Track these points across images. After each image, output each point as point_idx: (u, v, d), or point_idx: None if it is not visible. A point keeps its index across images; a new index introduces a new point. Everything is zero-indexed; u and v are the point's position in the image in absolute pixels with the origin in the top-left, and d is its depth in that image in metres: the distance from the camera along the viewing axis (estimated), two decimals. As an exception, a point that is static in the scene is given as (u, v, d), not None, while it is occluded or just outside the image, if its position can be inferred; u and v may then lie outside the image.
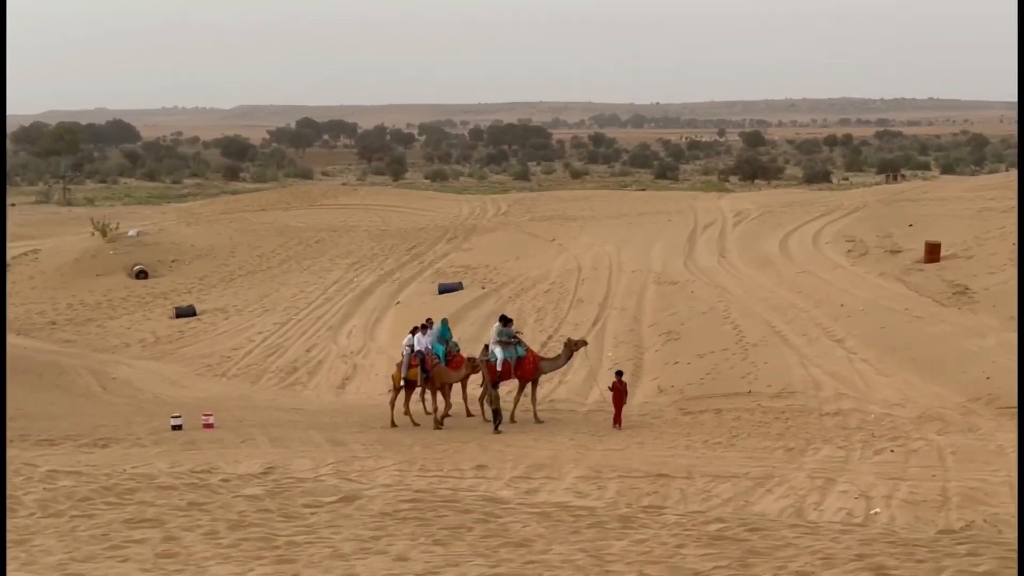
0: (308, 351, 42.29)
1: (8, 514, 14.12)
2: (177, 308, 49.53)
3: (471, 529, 13.97)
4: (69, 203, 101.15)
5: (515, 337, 31.36)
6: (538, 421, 30.17)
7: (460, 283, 49.79)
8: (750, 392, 31.75)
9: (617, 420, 29.21)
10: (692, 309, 40.85)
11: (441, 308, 45.03)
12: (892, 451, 24.39)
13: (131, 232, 61.44)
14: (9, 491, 15.45)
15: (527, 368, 30.87)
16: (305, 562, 12.13)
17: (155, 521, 14.05)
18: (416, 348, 30.89)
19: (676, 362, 35.23)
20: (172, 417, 29.14)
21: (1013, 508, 19.22)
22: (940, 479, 21.44)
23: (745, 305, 40.54)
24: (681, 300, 42.46)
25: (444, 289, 48.97)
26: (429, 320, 32.79)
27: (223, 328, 46.66)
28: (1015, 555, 11.99)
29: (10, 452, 22.01)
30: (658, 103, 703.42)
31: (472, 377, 31.55)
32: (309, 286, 52.42)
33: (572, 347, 31.69)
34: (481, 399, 30.93)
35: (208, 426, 29.06)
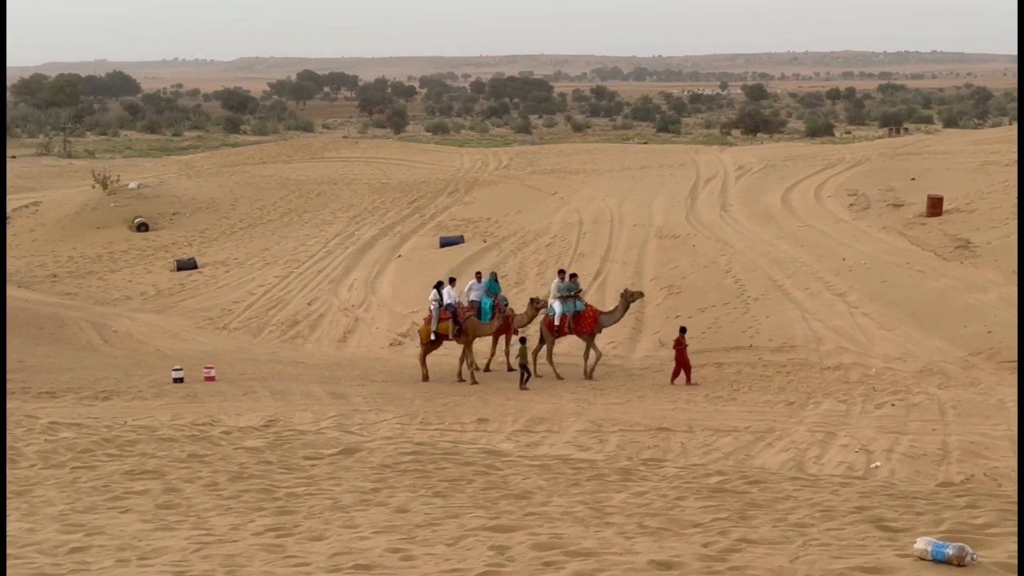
0: (309, 304, 42.29)
1: (9, 465, 14.16)
2: (178, 261, 49.49)
3: (471, 481, 14.00)
4: (69, 155, 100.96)
5: (576, 291, 31.22)
6: (587, 376, 30.08)
7: (461, 236, 49.70)
8: (751, 346, 31.80)
9: (675, 375, 28.93)
10: (693, 263, 40.82)
11: (442, 261, 45.05)
12: (893, 405, 24.45)
13: (132, 185, 61.26)
14: (10, 442, 15.49)
15: (586, 322, 30.74)
16: (305, 513, 12.15)
17: (156, 473, 14.09)
18: (446, 301, 30.70)
19: (677, 316, 35.18)
20: (173, 370, 29.16)
21: (1013, 462, 19.26)
22: (941, 433, 21.48)
23: (747, 259, 40.49)
24: (682, 254, 42.41)
25: (445, 242, 48.89)
26: (478, 274, 32.72)
27: (224, 281, 46.64)
28: (1014, 508, 12.01)
29: (11, 404, 22.05)
30: (660, 56, 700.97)
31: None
32: (310, 239, 52.37)
33: (629, 298, 31.44)
34: (535, 352, 30.87)
35: (209, 379, 29.09)
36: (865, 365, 28.96)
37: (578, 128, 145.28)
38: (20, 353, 32.15)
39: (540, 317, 31.73)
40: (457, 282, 32.93)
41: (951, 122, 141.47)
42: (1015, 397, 24.19)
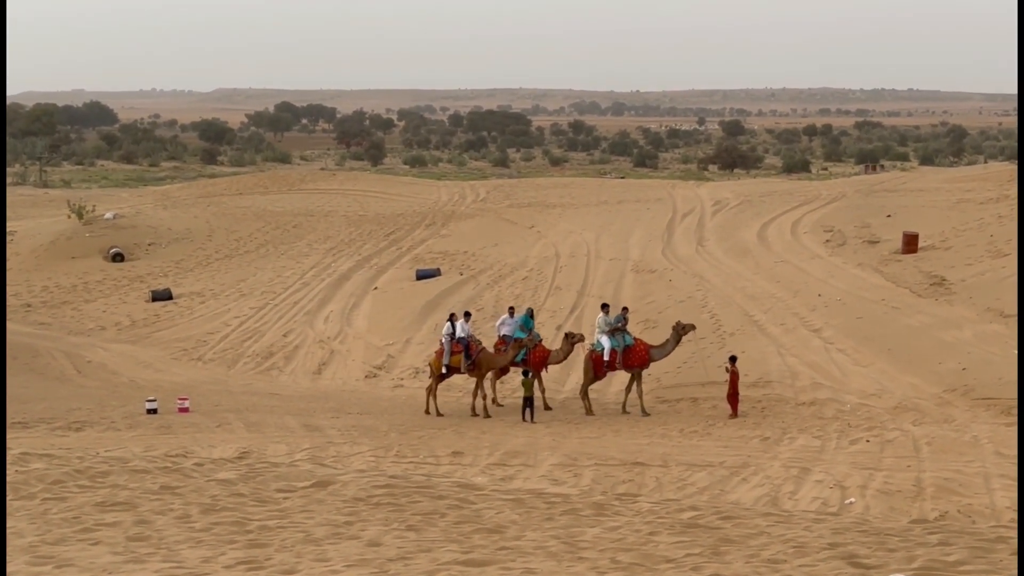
0: (285, 336, 42.18)
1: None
2: (153, 291, 49.31)
3: (444, 515, 13.94)
4: (45, 185, 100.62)
5: (623, 324, 30.77)
6: (645, 413, 29.56)
7: (438, 269, 49.68)
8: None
9: (734, 407, 28.57)
10: (670, 298, 40.87)
11: (419, 294, 45.01)
12: (868, 441, 24.48)
13: (107, 215, 61.13)
14: (-20, 473, 15.35)
15: (636, 357, 30.18)
16: (277, 546, 12.08)
17: (127, 504, 13.98)
18: (459, 335, 30.47)
19: (653, 350, 35.23)
20: (147, 401, 29.05)
21: (987, 499, 19.31)
22: (915, 469, 21.52)
23: (723, 294, 40.58)
24: (659, 288, 42.48)
25: (422, 275, 48.84)
26: (511, 309, 32.60)
27: (199, 312, 46.50)
28: (987, 545, 12.02)
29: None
30: (638, 91, 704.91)
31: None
32: (286, 271, 52.28)
33: (680, 331, 30.73)
34: (583, 391, 30.54)
35: (183, 410, 28.99)
36: (840, 401, 29.00)
37: (556, 162, 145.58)
38: (-8, 383, 31.98)
39: (575, 352, 31.57)
40: (472, 316, 32.73)
41: (927, 160, 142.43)
42: (989, 434, 24.29)
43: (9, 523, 12.88)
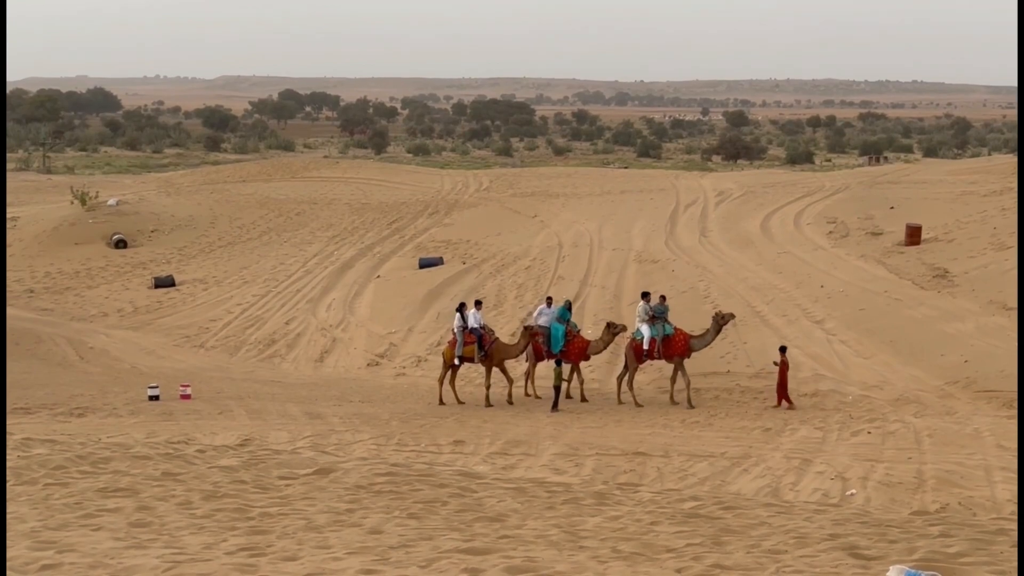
0: (287, 323, 42.18)
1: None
2: (156, 278, 49.33)
3: (446, 503, 13.96)
4: (49, 171, 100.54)
5: (664, 314, 30.50)
6: (689, 404, 29.27)
7: (441, 258, 49.68)
8: (729, 372, 31.81)
9: (781, 398, 28.39)
10: (672, 288, 40.80)
11: (421, 283, 45.00)
12: (869, 433, 24.47)
13: (111, 201, 61.11)
14: (-17, 458, 15.37)
15: (676, 346, 29.86)
16: (279, 533, 12.09)
17: (129, 490, 14.01)
18: (471, 325, 30.32)
19: (655, 340, 35.18)
20: (149, 387, 29.06)
21: (988, 491, 19.31)
22: (916, 461, 21.51)
23: (725, 285, 40.56)
24: (662, 279, 42.42)
25: (424, 264, 48.84)
26: (548, 299, 32.48)
27: (202, 299, 46.50)
28: (987, 537, 12.03)
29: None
30: (642, 81, 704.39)
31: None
32: (289, 258, 52.27)
33: (720, 321, 30.32)
34: (620, 379, 30.34)
35: (185, 397, 29.00)
36: (842, 392, 29.00)
37: (559, 152, 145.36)
38: (-5, 368, 31.97)
39: (615, 342, 31.38)
40: (481, 305, 32.58)
41: (930, 152, 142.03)
42: (991, 426, 24.29)
43: (11, 508, 12.90)
